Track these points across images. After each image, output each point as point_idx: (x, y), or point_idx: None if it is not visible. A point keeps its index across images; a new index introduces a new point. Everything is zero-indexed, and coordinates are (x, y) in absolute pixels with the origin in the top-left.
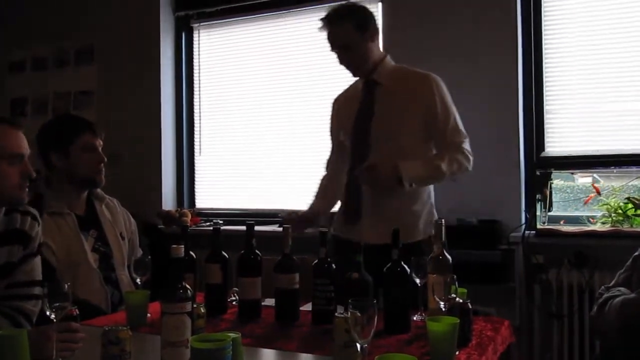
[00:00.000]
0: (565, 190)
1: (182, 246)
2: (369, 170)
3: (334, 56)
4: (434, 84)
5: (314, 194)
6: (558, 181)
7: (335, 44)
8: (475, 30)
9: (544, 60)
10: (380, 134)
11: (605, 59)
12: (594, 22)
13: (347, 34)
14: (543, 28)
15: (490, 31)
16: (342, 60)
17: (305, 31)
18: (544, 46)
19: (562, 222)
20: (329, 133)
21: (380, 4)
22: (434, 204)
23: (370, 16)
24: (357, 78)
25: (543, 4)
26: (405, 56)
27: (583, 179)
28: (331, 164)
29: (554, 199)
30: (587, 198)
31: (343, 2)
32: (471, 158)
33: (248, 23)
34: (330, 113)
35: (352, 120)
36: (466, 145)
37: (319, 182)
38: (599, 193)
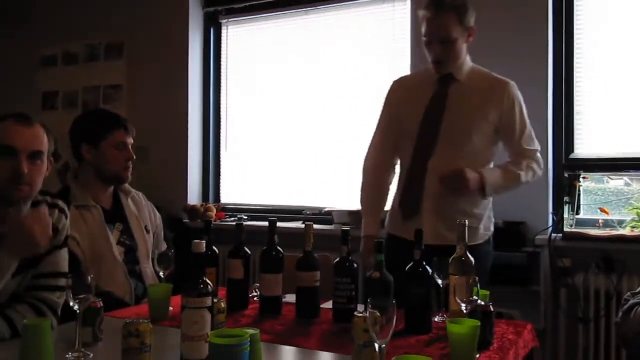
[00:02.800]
0: (597, 192)
1: (204, 242)
2: (456, 176)
3: (362, 52)
4: (514, 90)
5: (366, 201)
6: (589, 183)
7: (437, 33)
8: (507, 28)
9: (575, 60)
10: (452, 129)
11: (637, 58)
12: (626, 20)
13: (452, 26)
14: (575, 26)
15: (522, 29)
16: (436, 52)
17: (334, 27)
18: (575, 45)
19: (598, 224)
20: (380, 117)
21: (409, 2)
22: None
23: (472, 14)
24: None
25: (576, 3)
26: None
27: (615, 182)
28: (378, 153)
29: (584, 202)
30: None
31: None
32: (542, 166)
33: (276, 19)
34: (388, 97)
35: (421, 111)
36: (539, 155)
37: (373, 184)
38: (607, 214)
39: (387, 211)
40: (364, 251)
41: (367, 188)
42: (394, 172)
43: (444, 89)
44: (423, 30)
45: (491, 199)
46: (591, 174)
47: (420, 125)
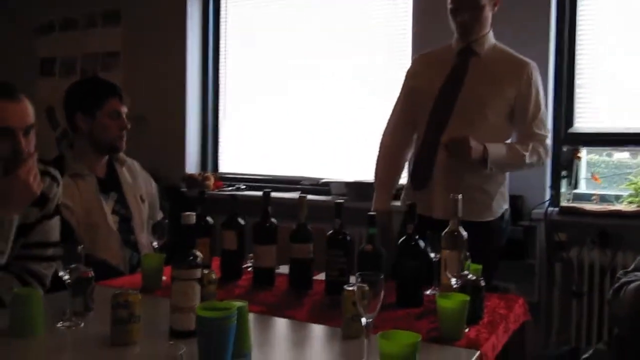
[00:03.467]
0: (599, 165)
1: (194, 214)
2: (460, 143)
3: (363, 24)
4: (534, 72)
5: (379, 176)
6: (592, 156)
7: (465, 1)
8: (508, 8)
9: (577, 34)
10: (466, 103)
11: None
12: None
13: None
14: (577, 2)
15: (522, 7)
16: (463, 18)
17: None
18: (577, 18)
19: (593, 199)
20: (401, 94)
21: None
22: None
23: None
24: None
25: None
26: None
27: (619, 154)
28: (395, 128)
29: (586, 175)
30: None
31: None
32: (550, 155)
33: None
34: (409, 71)
35: (438, 83)
36: (549, 141)
37: (382, 153)
38: (598, 181)
39: (401, 184)
40: (379, 226)
41: (381, 162)
42: (411, 148)
43: (463, 63)
44: None
45: (506, 176)
46: (590, 148)
47: (436, 97)
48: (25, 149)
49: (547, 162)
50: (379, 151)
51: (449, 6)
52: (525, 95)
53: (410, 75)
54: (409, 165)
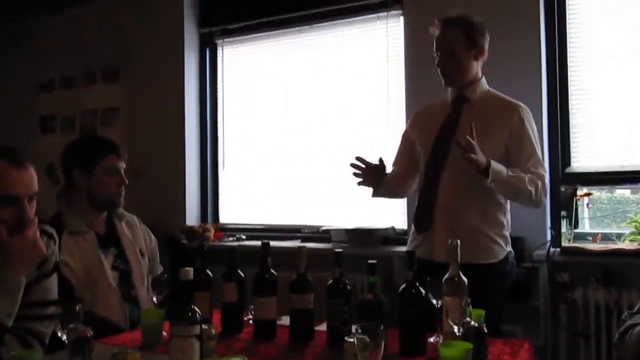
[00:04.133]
0: (602, 201)
1: (191, 269)
2: (468, 143)
3: (358, 69)
4: (525, 113)
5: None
6: (595, 193)
7: (442, 46)
8: (498, 40)
9: (569, 73)
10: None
11: (633, 71)
12: (621, 31)
13: (456, 40)
14: (568, 39)
15: (514, 41)
16: (441, 65)
17: (329, 45)
18: (568, 58)
19: (597, 239)
20: (399, 144)
21: (402, 18)
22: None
23: (482, 36)
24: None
25: (568, 15)
26: (428, 69)
27: (621, 190)
28: (392, 174)
29: (589, 213)
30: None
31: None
32: (547, 195)
33: (271, 39)
34: (408, 123)
35: (434, 133)
36: (547, 180)
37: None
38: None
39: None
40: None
41: None
42: (402, 193)
43: (456, 110)
44: (433, 46)
45: (507, 215)
46: (588, 187)
47: (433, 143)
48: (30, 216)
49: (546, 203)
50: None
51: (434, 55)
52: (519, 136)
53: (410, 129)
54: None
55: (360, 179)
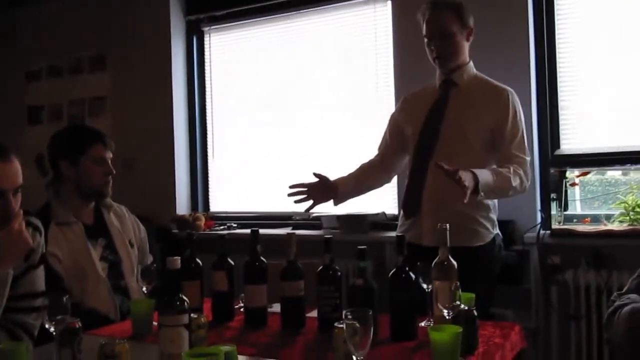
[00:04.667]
0: (594, 183)
1: (179, 258)
2: (450, 174)
3: (346, 55)
4: (512, 97)
5: (351, 172)
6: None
7: (436, 28)
8: (486, 23)
9: (557, 55)
10: (449, 134)
11: (621, 53)
12: (609, 14)
13: (449, 22)
14: (556, 20)
15: (502, 24)
16: (437, 47)
17: (316, 31)
18: (557, 39)
19: (585, 221)
20: (386, 126)
21: (389, 3)
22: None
23: (469, 15)
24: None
25: None
26: (416, 54)
27: (612, 172)
28: (381, 156)
29: (579, 195)
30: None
31: None
32: (530, 177)
33: (259, 25)
34: (396, 107)
35: (422, 117)
36: (528, 165)
37: (362, 163)
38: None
39: (357, 185)
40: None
41: (355, 170)
42: (384, 178)
43: (444, 95)
44: (423, 30)
45: (495, 201)
46: (577, 169)
47: (421, 128)
48: (15, 209)
49: (536, 186)
50: None
51: (425, 40)
52: (504, 119)
53: (398, 113)
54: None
55: (310, 201)
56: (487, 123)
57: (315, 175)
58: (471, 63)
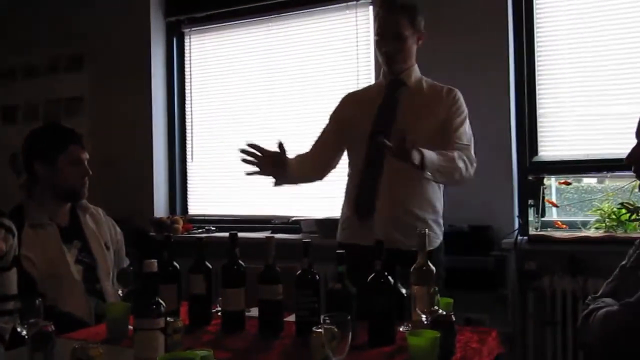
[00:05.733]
0: (569, 190)
1: (155, 261)
2: (400, 141)
3: (326, 58)
4: (457, 95)
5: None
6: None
7: (389, 29)
8: (467, 33)
9: (536, 63)
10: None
11: (598, 62)
12: (586, 24)
13: (403, 25)
14: (535, 30)
15: (482, 34)
16: (388, 47)
17: (296, 35)
18: (536, 48)
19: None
20: (326, 124)
21: (371, 7)
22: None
23: (422, 20)
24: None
25: (535, 6)
26: None
27: (588, 179)
28: (317, 154)
29: (555, 201)
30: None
31: None
32: (474, 165)
33: (239, 28)
34: (337, 106)
35: (372, 116)
36: (471, 152)
37: (298, 155)
38: (555, 206)
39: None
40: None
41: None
42: (318, 175)
43: (393, 94)
44: (376, 28)
45: (441, 201)
46: (554, 176)
47: (372, 128)
48: None
49: (514, 193)
50: None
51: (375, 37)
52: (451, 116)
53: (340, 112)
54: (347, 201)
55: (256, 169)
56: (436, 121)
57: (279, 145)
58: (416, 66)
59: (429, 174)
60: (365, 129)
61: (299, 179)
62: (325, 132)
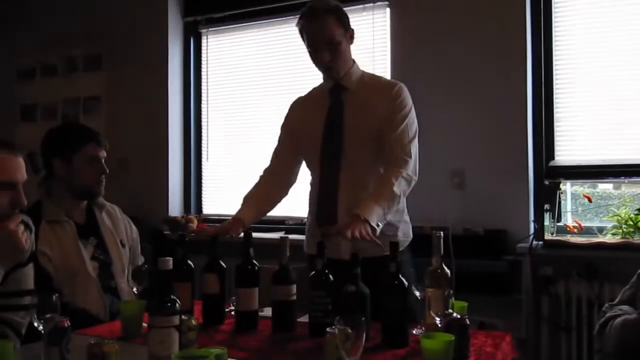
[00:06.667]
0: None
1: (170, 259)
2: (339, 232)
3: None
4: (401, 89)
5: (247, 196)
6: (577, 187)
7: (321, 36)
8: (485, 36)
9: (554, 67)
10: (352, 137)
11: (617, 66)
12: (605, 29)
13: (334, 28)
14: (553, 35)
15: (500, 36)
16: (324, 56)
17: None
18: (554, 52)
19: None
20: (280, 133)
21: (388, 9)
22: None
23: (348, 16)
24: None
25: (554, 12)
26: (414, 62)
27: (603, 185)
28: (278, 172)
29: (571, 207)
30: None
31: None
32: (414, 178)
33: (256, 28)
34: (287, 116)
35: (320, 124)
36: (409, 167)
37: (258, 181)
38: (590, 201)
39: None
40: (217, 229)
41: (254, 186)
42: (285, 191)
43: (337, 100)
44: (306, 41)
45: (404, 204)
46: (571, 180)
47: (322, 138)
48: (25, 202)
49: (530, 197)
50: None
51: (308, 49)
52: (392, 112)
53: (290, 121)
54: (311, 212)
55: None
56: (381, 118)
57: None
58: (356, 64)
59: (379, 226)
60: (316, 140)
61: (268, 210)
62: (280, 142)
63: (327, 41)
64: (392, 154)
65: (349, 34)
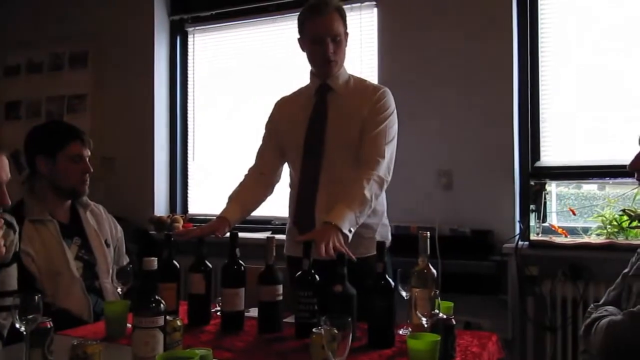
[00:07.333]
0: (569, 197)
1: (155, 259)
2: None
3: None
4: (384, 93)
5: (232, 195)
6: (562, 188)
7: (329, 32)
8: (471, 36)
9: (540, 69)
10: (334, 139)
11: (602, 68)
12: (590, 31)
13: (338, 24)
14: (539, 36)
15: (486, 37)
16: (328, 52)
17: None
18: (539, 55)
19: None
20: (264, 132)
21: (376, 9)
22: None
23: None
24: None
25: (540, 13)
26: (401, 62)
27: (588, 186)
28: (261, 172)
29: (555, 207)
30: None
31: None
32: (386, 182)
33: (243, 27)
34: (270, 116)
35: (304, 124)
36: (381, 169)
37: (243, 180)
38: (574, 214)
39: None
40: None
41: (239, 185)
42: (269, 190)
43: (322, 100)
44: (309, 33)
45: (384, 204)
46: (556, 181)
47: (305, 138)
48: (8, 202)
49: (516, 198)
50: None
51: (307, 43)
52: (372, 114)
53: (274, 120)
54: (290, 212)
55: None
56: (362, 119)
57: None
58: (344, 67)
59: (351, 231)
60: (298, 140)
61: (252, 210)
62: (264, 141)
63: (333, 35)
64: (366, 154)
65: (347, 35)
